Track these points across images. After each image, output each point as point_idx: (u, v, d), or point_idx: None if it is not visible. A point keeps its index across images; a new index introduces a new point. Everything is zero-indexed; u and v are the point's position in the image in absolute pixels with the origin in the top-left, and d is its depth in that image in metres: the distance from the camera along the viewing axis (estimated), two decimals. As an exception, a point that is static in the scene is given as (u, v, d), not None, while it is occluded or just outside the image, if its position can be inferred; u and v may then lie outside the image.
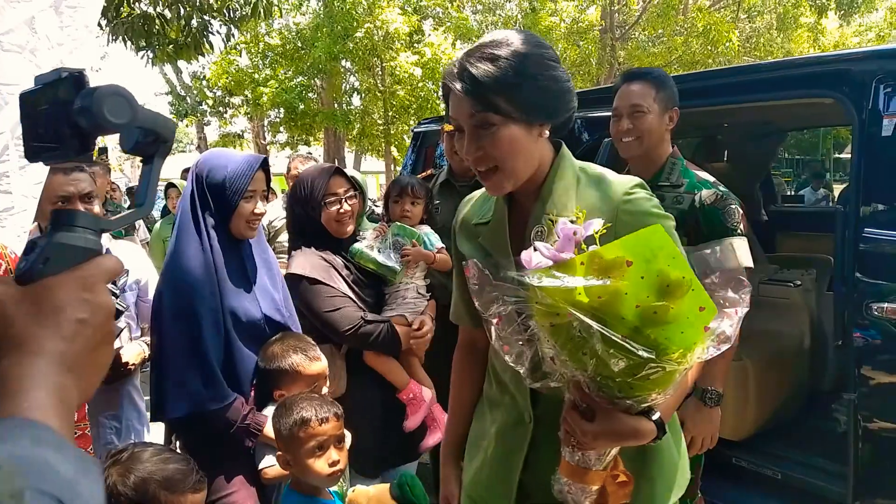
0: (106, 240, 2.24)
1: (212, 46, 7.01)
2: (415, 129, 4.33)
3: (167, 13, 6.21)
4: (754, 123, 3.73)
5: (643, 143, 2.13)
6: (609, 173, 1.31)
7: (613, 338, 0.95)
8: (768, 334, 2.98)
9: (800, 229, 3.97)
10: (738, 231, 2.00)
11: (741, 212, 2.03)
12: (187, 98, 17.33)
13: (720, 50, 12.47)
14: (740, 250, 2.00)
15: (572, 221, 1.00)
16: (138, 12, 6.12)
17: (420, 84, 13.05)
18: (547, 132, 1.24)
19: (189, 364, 1.70)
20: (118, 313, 1.91)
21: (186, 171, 7.81)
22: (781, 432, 2.78)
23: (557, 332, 1.00)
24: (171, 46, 6.44)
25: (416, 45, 13.36)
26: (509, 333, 1.05)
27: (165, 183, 6.27)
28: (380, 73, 13.70)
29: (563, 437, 1.12)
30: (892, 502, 2.06)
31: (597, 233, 0.99)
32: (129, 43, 6.35)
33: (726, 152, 4.07)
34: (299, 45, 13.89)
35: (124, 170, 21.99)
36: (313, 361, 1.79)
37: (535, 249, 0.99)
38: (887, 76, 2.03)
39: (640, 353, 0.95)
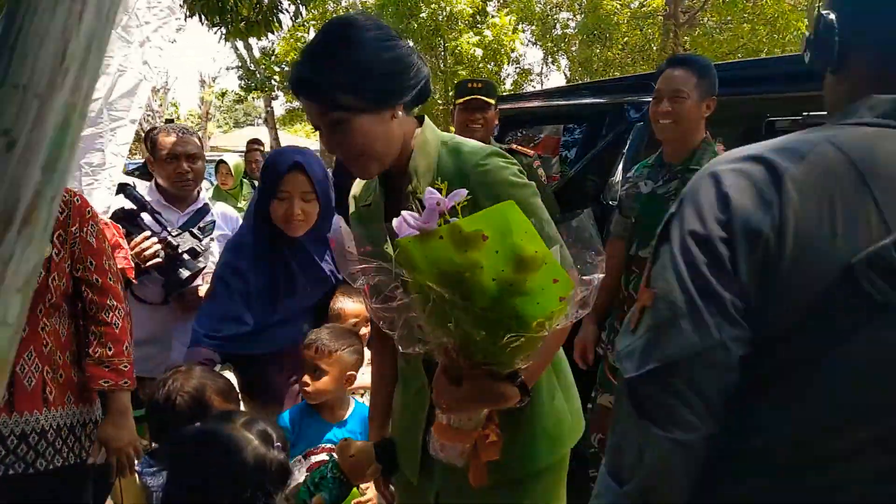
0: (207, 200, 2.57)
1: (281, 24, 7.33)
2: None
3: (240, -9, 6.55)
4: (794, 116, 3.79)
5: (679, 127, 2.26)
6: (466, 143, 1.32)
7: (474, 310, 1.00)
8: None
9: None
10: None
11: None
12: (256, 73, 17.89)
13: (788, 39, 12.16)
14: None
15: (439, 191, 1.02)
16: (214, -10, 6.47)
17: (481, 65, 13.16)
18: (401, 112, 1.26)
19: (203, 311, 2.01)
20: (197, 254, 2.22)
21: (252, 142, 8.17)
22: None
23: (423, 302, 1.05)
24: (242, 23, 6.76)
25: (478, 25, 13.48)
26: (378, 302, 1.11)
27: (217, 159, 6.45)
28: (442, 53, 13.88)
29: (434, 399, 1.18)
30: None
31: (458, 204, 1.01)
32: (203, 19, 6.72)
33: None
34: (365, 23, 14.13)
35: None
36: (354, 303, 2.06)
37: (403, 219, 1.02)
38: None
39: (499, 323, 1.01)
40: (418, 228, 1.00)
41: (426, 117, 1.36)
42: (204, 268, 2.32)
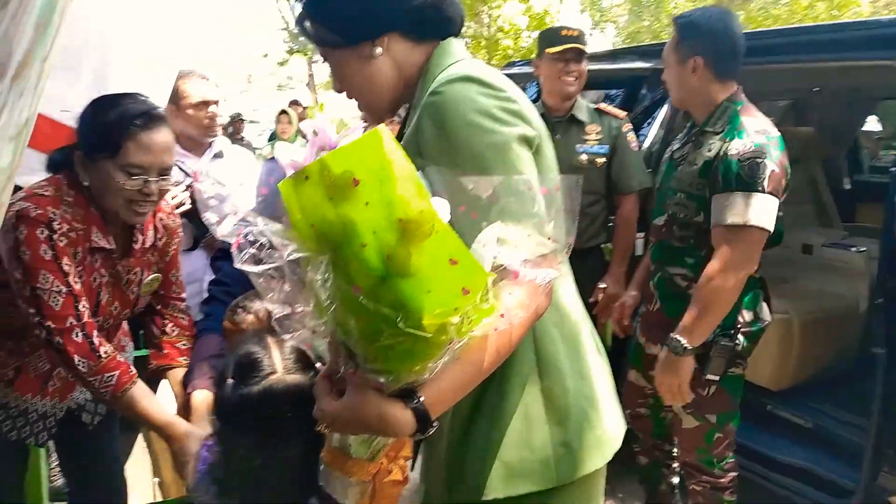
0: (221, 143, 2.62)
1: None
2: (504, 72, 4.49)
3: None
4: (843, 89, 3.67)
5: (673, 95, 2.15)
6: (460, 65, 1.03)
7: (346, 289, 0.74)
8: (821, 294, 3.04)
9: (882, 200, 3.89)
10: (759, 188, 1.84)
11: (773, 170, 1.86)
12: (299, 35, 17.99)
13: (845, 15, 11.68)
14: (754, 207, 1.84)
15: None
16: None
17: (526, 34, 12.97)
18: (379, 49, 1.05)
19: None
20: (222, 198, 2.28)
21: (293, 103, 8.24)
22: (822, 386, 2.87)
23: (307, 268, 0.76)
24: (287, -17, 6.81)
25: (526, -7, 13.24)
26: (246, 261, 0.78)
27: (280, 109, 6.70)
28: (486, 20, 13.70)
29: (314, 412, 0.90)
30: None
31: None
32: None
33: (815, 117, 4.02)
34: (410, -12, 14.01)
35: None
36: None
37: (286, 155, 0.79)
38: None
39: (377, 313, 0.73)
40: (293, 168, 0.76)
41: (450, 42, 1.10)
42: (230, 212, 2.39)
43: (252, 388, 1.11)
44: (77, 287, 1.45)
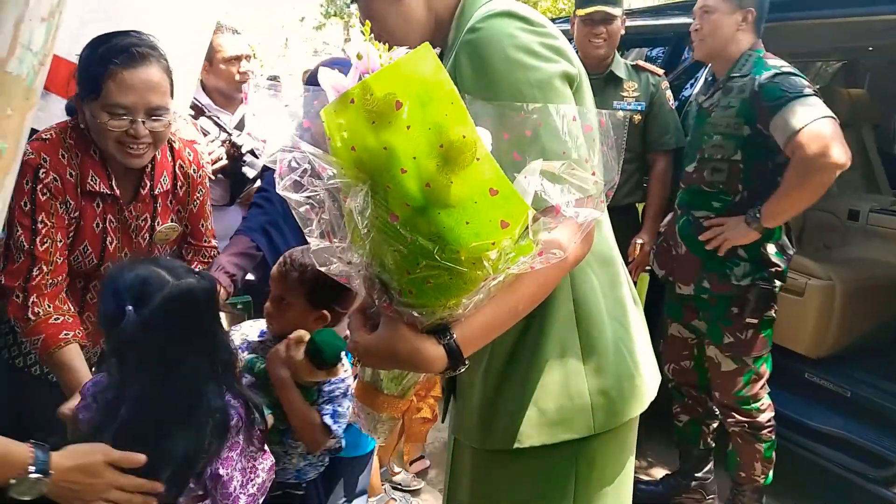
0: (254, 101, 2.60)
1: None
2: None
3: None
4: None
5: (706, 45, 2.18)
6: (489, 5, 0.98)
7: (383, 218, 0.72)
8: (866, 261, 2.94)
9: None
10: (805, 92, 1.93)
11: (807, 82, 1.99)
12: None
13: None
14: (814, 105, 1.92)
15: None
16: None
17: (565, -4, 12.66)
18: None
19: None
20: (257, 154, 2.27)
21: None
22: (862, 355, 2.80)
23: (346, 187, 0.74)
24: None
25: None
26: (287, 187, 0.77)
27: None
28: (525, -18, 13.36)
29: (348, 345, 0.90)
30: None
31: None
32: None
33: (867, 79, 3.85)
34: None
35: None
36: None
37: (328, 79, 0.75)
38: None
39: (414, 244, 0.71)
40: (335, 90, 0.72)
41: None
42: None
43: (155, 301, 1.13)
44: (41, 248, 1.46)
